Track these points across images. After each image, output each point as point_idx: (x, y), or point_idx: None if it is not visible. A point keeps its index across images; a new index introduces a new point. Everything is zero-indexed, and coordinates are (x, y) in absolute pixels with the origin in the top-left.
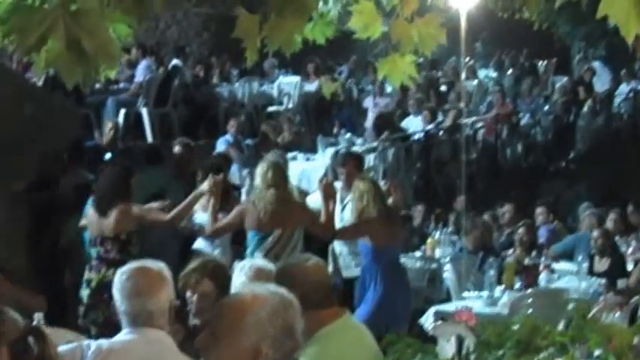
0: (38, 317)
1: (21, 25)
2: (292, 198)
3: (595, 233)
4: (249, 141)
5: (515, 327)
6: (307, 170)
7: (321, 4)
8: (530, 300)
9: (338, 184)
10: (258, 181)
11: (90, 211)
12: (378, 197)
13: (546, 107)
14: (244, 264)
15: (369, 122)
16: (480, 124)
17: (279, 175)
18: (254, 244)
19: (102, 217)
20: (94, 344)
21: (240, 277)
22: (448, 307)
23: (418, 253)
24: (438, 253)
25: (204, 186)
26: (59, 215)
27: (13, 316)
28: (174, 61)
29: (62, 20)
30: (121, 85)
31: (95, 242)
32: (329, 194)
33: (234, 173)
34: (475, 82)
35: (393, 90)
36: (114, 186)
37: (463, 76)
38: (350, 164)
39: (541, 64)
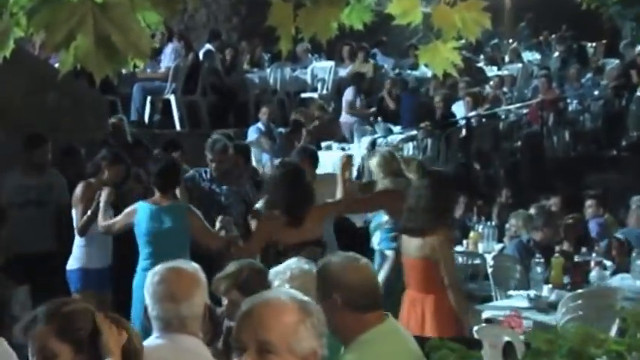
0: None
1: (48, 20)
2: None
3: None
4: (281, 129)
5: (567, 334)
6: None
7: None
8: (580, 300)
9: None
10: (377, 170)
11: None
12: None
13: (596, 92)
14: (282, 269)
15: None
16: (524, 111)
17: (398, 163)
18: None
19: None
20: None
21: (284, 283)
22: (493, 308)
23: (460, 248)
24: (480, 247)
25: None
26: None
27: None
28: (207, 46)
29: (91, 15)
30: (147, 70)
31: None
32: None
33: (266, 163)
34: (519, 65)
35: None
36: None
37: (506, 59)
38: (305, 161)
39: (590, 46)
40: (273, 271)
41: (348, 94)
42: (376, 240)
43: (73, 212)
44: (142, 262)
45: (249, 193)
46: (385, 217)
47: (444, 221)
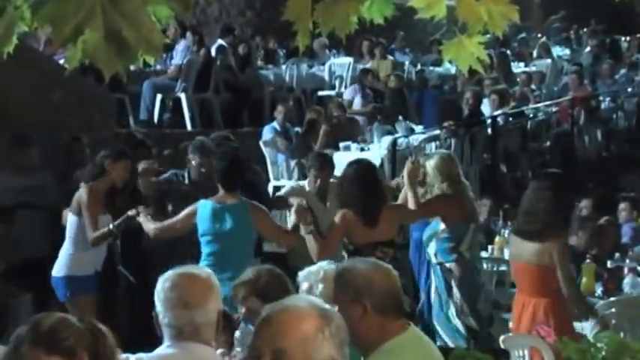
0: None
1: (54, 13)
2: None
3: None
4: (297, 129)
5: (600, 344)
6: None
7: None
8: (613, 309)
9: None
10: (434, 173)
11: None
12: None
13: (629, 89)
14: (315, 269)
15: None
16: (553, 109)
17: (456, 167)
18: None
19: None
20: (132, 358)
21: (317, 283)
22: None
23: (485, 254)
24: (507, 253)
25: None
26: None
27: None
28: (219, 42)
29: (100, 8)
30: (158, 67)
31: None
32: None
33: (281, 164)
34: (548, 61)
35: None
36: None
37: (535, 54)
38: (326, 170)
39: (623, 41)
40: (305, 271)
41: (347, 92)
42: (432, 251)
43: (73, 218)
44: (202, 263)
45: None
46: (441, 226)
47: (564, 226)
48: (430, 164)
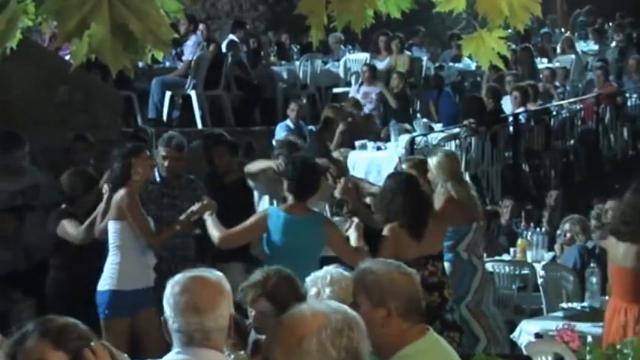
0: None
1: (59, 6)
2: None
3: None
4: (311, 127)
5: (627, 350)
6: (377, 160)
7: None
8: None
9: None
10: (437, 171)
11: None
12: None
13: None
14: (322, 273)
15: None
16: (578, 106)
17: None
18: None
19: None
20: None
21: (324, 287)
22: (544, 322)
23: (507, 257)
24: (529, 256)
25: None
26: None
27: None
28: (230, 37)
29: (106, 1)
30: (167, 64)
31: None
32: None
33: None
34: (572, 56)
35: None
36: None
37: (558, 49)
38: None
39: None
40: (312, 276)
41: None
42: None
43: (115, 224)
44: None
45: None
46: None
47: None
48: (433, 162)
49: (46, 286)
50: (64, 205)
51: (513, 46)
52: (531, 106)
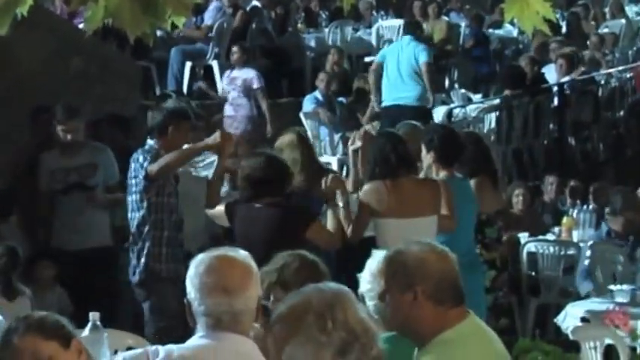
0: (93, 317)
1: None
2: None
3: None
4: (342, 99)
5: None
6: None
7: None
8: None
9: None
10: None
11: None
12: None
13: None
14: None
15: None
16: (628, 75)
17: None
18: None
19: None
20: (162, 351)
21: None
22: (591, 304)
23: (551, 236)
24: (576, 235)
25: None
26: None
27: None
28: (254, 2)
29: None
30: (187, 31)
31: None
32: None
33: (324, 139)
34: (622, 21)
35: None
36: None
37: (607, 14)
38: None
39: None
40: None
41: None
42: None
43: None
44: None
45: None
46: None
47: None
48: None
49: None
50: None
51: (559, 11)
52: (577, 75)
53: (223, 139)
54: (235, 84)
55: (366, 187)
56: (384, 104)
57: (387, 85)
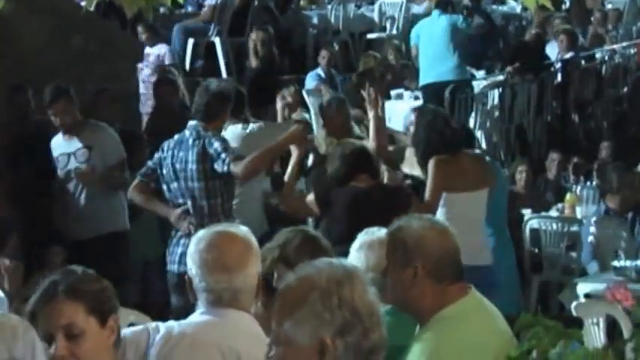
0: None
1: None
2: None
3: None
4: (344, 76)
5: None
6: None
7: None
8: None
9: None
10: None
11: None
12: None
13: None
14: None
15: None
16: (632, 51)
17: None
18: None
19: None
20: (163, 327)
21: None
22: (594, 281)
23: (554, 213)
24: (579, 212)
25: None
26: None
27: None
28: None
29: None
30: (189, 9)
31: None
32: None
33: None
34: None
35: None
36: None
37: None
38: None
39: None
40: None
41: None
42: None
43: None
44: None
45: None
46: None
47: None
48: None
49: None
50: None
51: None
52: (580, 52)
53: (301, 132)
54: (148, 61)
55: (431, 162)
56: (422, 82)
57: (425, 63)
